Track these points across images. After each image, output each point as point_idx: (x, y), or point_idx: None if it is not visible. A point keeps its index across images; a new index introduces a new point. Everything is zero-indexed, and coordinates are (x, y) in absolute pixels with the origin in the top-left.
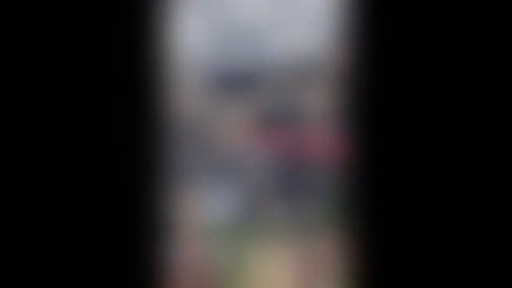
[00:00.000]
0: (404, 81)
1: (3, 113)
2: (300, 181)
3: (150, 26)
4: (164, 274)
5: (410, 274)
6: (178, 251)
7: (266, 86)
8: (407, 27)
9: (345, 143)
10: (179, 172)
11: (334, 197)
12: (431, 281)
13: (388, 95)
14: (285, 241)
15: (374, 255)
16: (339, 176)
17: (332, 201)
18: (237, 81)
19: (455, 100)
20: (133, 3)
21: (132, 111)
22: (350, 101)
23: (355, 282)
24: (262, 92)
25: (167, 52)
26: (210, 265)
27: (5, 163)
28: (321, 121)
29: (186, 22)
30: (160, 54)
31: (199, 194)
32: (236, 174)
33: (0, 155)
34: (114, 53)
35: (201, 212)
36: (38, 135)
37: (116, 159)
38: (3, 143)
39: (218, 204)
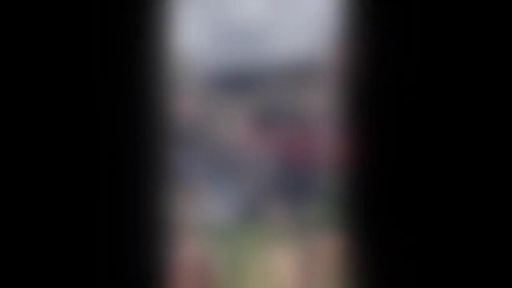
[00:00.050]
0: (404, 81)
1: (3, 113)
2: (300, 181)
3: (150, 26)
4: (164, 274)
5: (410, 274)
6: (178, 251)
7: (266, 86)
8: (407, 27)
9: (345, 143)
10: (179, 172)
11: (334, 197)
12: (431, 281)
13: (388, 95)
14: (285, 241)
15: (374, 255)
16: (339, 176)
17: (332, 201)
18: (237, 81)
19: (455, 100)
20: (133, 3)
21: (131, 111)
22: (350, 101)
23: (355, 282)
24: (262, 92)
25: (167, 52)
26: (210, 265)
27: (5, 163)
28: (321, 121)
29: (186, 22)
30: (159, 54)
31: (199, 194)
32: (236, 174)
33: (0, 155)
34: (114, 53)
35: (201, 212)
36: (37, 135)
37: (115, 159)
38: (3, 143)
39: (218, 204)
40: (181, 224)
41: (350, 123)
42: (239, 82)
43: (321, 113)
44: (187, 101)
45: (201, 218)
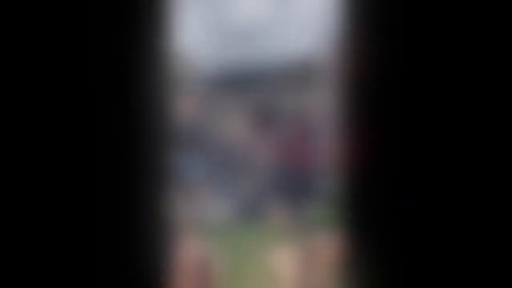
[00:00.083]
0: (404, 81)
1: (2, 113)
2: (299, 181)
3: (150, 26)
4: (164, 274)
5: (410, 274)
6: (178, 251)
7: (266, 86)
8: (408, 27)
9: (344, 143)
10: (179, 172)
11: (334, 197)
12: (431, 281)
13: (388, 95)
14: (285, 241)
15: (374, 255)
16: (339, 176)
17: (332, 201)
18: (237, 81)
19: (456, 100)
20: (133, 3)
21: (131, 111)
22: (350, 101)
23: (355, 282)
24: (262, 92)
25: (167, 52)
26: (210, 265)
27: (4, 163)
28: (321, 121)
29: (185, 22)
30: (159, 54)
31: (199, 194)
32: (236, 174)
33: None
34: (113, 53)
35: (201, 212)
36: (37, 136)
37: (115, 159)
38: (2, 143)
39: (218, 204)
40: (181, 224)
41: (350, 123)
42: (239, 82)
43: (321, 113)
44: (187, 101)
45: (201, 218)
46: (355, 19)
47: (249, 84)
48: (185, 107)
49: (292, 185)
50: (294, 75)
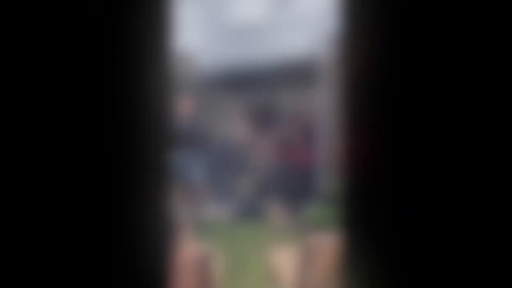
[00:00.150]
0: (404, 81)
1: (2, 113)
2: (299, 181)
3: (150, 26)
4: (165, 273)
5: (410, 274)
6: (178, 251)
7: (266, 86)
8: (408, 27)
9: (344, 143)
10: (179, 172)
11: (334, 197)
12: (431, 281)
13: (388, 95)
14: (285, 240)
15: (374, 255)
16: (339, 176)
17: (332, 201)
18: (237, 81)
19: (456, 100)
20: (133, 3)
21: (131, 111)
22: (350, 101)
23: (355, 282)
24: (262, 91)
25: (167, 52)
26: (210, 264)
27: (5, 163)
28: (321, 121)
29: (186, 22)
30: (159, 54)
31: (199, 194)
32: (236, 174)
33: (0, 155)
34: (113, 53)
35: (201, 212)
36: (37, 136)
37: (115, 160)
38: (3, 143)
39: (218, 204)
40: (181, 224)
41: (350, 123)
42: (239, 82)
43: (321, 112)
44: (187, 101)
45: (201, 217)
46: (355, 19)
47: (249, 84)
48: (185, 107)
49: (292, 185)
50: (294, 75)
